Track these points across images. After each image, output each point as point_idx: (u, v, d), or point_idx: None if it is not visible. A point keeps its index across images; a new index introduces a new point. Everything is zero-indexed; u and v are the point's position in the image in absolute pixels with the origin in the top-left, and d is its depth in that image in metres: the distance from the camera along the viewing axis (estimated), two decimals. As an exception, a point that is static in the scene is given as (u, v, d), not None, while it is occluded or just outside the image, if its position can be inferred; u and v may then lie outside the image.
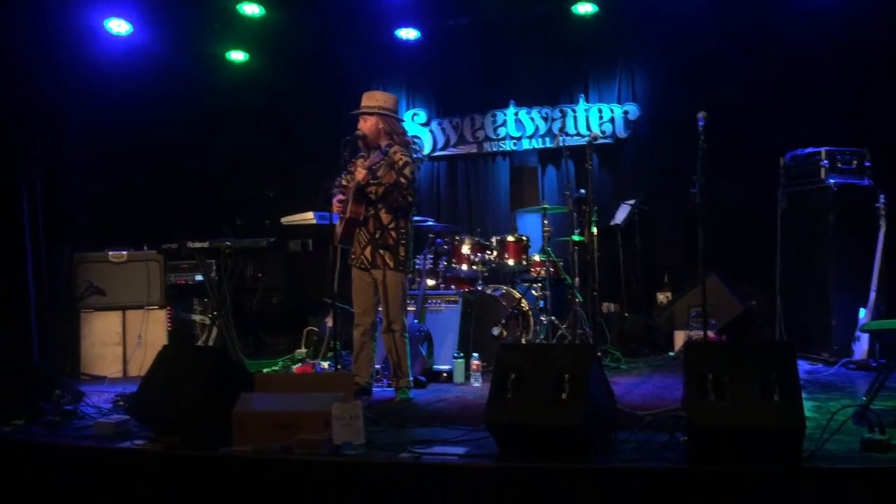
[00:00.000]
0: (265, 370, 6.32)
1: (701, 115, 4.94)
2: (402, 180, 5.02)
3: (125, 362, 6.69)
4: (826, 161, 6.14)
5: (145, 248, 6.93)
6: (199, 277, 7.20)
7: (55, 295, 6.57)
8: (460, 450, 3.51)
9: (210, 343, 6.44)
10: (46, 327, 6.35)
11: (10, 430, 4.22)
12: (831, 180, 6.05)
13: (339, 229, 5.12)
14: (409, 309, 5.65)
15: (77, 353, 6.66)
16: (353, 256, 5.22)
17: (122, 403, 4.73)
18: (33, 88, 6.57)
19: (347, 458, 3.41)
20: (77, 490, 3.69)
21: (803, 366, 5.73)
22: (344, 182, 5.25)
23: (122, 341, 6.73)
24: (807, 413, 3.34)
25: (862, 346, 5.68)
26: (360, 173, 5.04)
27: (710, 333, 6.23)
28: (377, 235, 5.11)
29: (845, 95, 7.08)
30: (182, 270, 7.28)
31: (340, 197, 5.18)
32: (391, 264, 5.10)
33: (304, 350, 6.97)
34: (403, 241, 5.16)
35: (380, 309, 5.26)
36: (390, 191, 5.01)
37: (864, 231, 5.75)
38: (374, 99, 5.23)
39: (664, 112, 8.07)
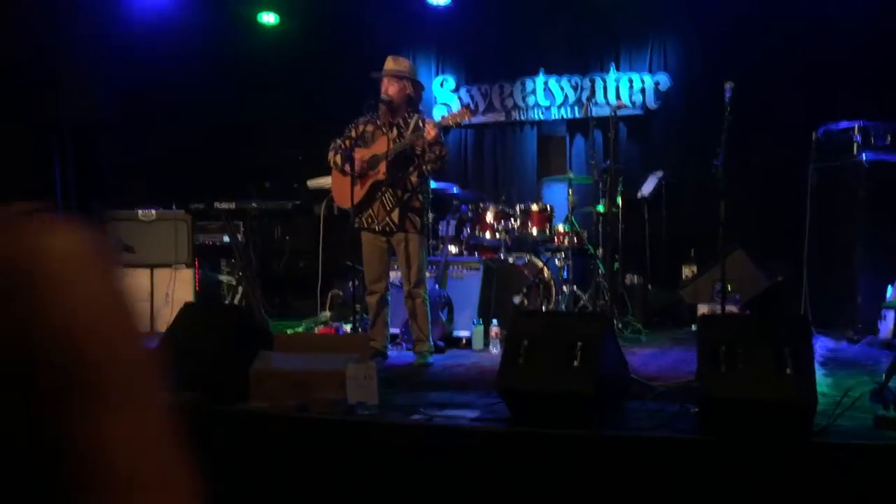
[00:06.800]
0: (288, 331, 6.39)
1: (728, 85, 4.85)
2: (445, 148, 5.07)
3: (152, 319, 6.81)
4: (859, 136, 6.01)
5: (174, 207, 7.02)
6: (226, 239, 7.28)
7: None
8: (472, 413, 3.54)
9: (235, 304, 6.53)
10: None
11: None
12: (864, 156, 5.92)
13: (354, 190, 4.96)
14: (428, 275, 5.67)
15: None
16: (369, 220, 5.11)
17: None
18: (66, 52, 6.62)
19: (360, 418, 3.46)
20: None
21: (827, 343, 5.67)
22: (351, 136, 5.16)
23: (149, 298, 6.84)
24: (824, 390, 3.34)
25: (888, 325, 5.59)
26: (432, 131, 4.88)
27: (735, 308, 6.18)
28: (405, 198, 5.08)
29: (879, 68, 6.91)
30: (210, 231, 7.36)
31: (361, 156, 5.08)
32: (418, 227, 5.12)
33: (327, 313, 7.03)
34: (427, 206, 5.20)
35: (395, 273, 5.27)
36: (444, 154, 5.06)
37: (895, 208, 5.66)
38: (401, 64, 5.20)
39: (695, 83, 7.93)
